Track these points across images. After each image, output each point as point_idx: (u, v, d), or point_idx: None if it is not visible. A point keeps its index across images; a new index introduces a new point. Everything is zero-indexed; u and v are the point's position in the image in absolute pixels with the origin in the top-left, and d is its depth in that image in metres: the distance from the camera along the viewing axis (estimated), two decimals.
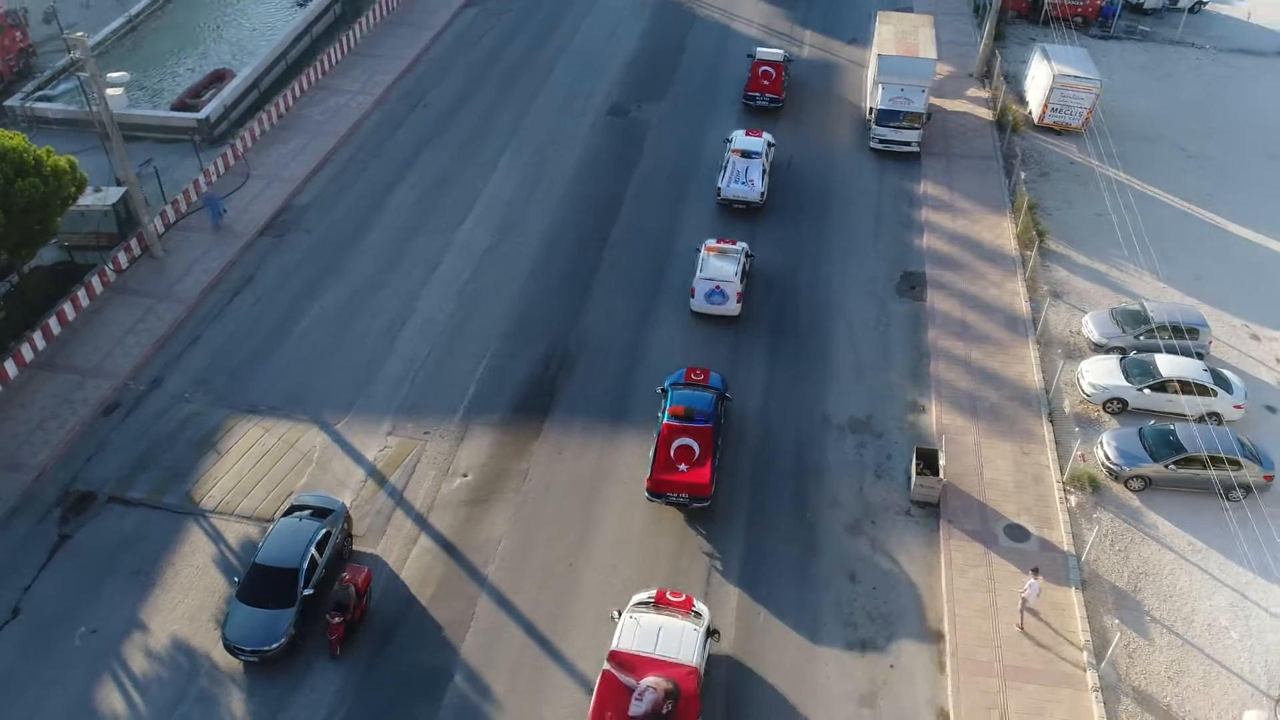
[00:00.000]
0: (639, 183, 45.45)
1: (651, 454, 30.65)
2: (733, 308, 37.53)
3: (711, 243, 39.12)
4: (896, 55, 46.72)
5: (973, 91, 52.80)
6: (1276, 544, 30.24)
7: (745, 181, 43.14)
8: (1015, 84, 53.21)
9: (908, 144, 46.91)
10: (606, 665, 24.76)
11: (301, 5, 58.14)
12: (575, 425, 33.66)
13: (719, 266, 37.70)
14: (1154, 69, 55.67)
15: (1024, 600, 27.79)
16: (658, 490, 30.19)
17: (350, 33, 54.94)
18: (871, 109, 47.86)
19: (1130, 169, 46.59)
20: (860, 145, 48.28)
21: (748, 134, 45.44)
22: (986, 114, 50.89)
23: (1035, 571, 27.70)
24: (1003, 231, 42.74)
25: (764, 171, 43.69)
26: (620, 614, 26.28)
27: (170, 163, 45.05)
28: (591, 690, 25.28)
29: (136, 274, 39.19)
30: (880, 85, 46.63)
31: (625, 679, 24.32)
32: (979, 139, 48.96)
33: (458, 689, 26.29)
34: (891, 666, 27.16)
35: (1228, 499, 31.49)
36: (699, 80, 53.41)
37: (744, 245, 39.03)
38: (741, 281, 37.41)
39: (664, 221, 43.04)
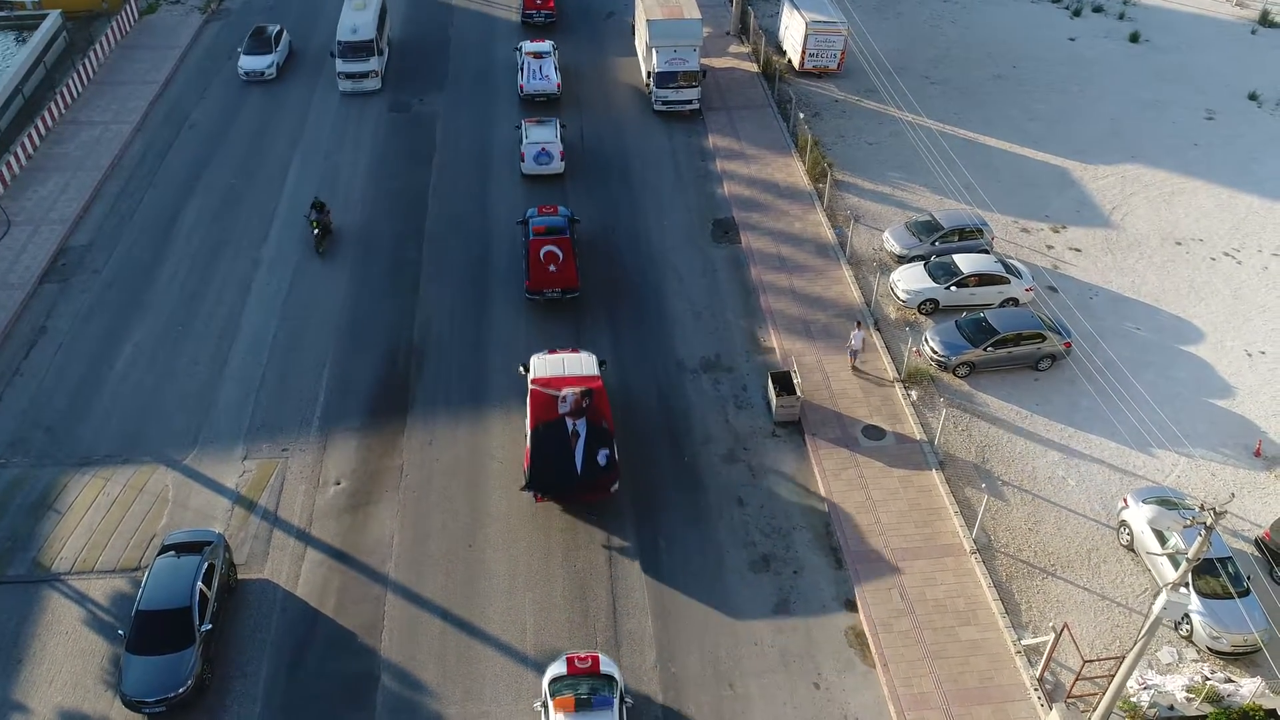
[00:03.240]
0: (440, 171, 45.08)
1: (525, 264, 37.63)
2: (558, 166, 44.00)
3: (529, 116, 47.30)
4: (665, 19, 48.56)
5: (734, 48, 55.67)
6: (1084, 400, 34.26)
7: (542, 78, 49.59)
8: (771, 37, 56.53)
9: (689, 102, 48.93)
10: (532, 387, 30.43)
11: (22, 41, 53.52)
12: (438, 413, 33.27)
13: (540, 133, 44.31)
14: (884, 9, 60.55)
15: (852, 348, 34.46)
16: (537, 289, 36.49)
17: (87, 61, 50.97)
18: (649, 73, 49.54)
19: (887, 100, 50.73)
20: (644, 110, 49.91)
21: (534, 41, 52.24)
22: (751, 67, 53.82)
23: (859, 324, 34.81)
24: (793, 170, 45.53)
25: (555, 68, 50.05)
26: (524, 369, 32.45)
27: None
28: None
29: None
30: (654, 50, 48.36)
31: (549, 391, 30.19)
32: (751, 90, 51.75)
33: (387, 689, 25.65)
34: (795, 573, 28.79)
35: (1038, 369, 35.35)
36: (474, 70, 53.39)
37: (556, 119, 45.67)
38: (560, 145, 43.96)
39: (476, 207, 42.96)
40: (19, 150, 44.29)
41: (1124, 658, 24.54)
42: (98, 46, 52.34)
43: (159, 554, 26.62)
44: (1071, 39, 57.96)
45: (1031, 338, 34.71)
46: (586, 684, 23.68)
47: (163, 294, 37.97)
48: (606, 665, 24.30)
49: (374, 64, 50.07)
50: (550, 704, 23.52)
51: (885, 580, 28.53)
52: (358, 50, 49.81)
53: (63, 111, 48.23)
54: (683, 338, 36.52)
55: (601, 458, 29.14)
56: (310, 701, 25.29)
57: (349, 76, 50.05)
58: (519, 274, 38.98)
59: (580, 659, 24.31)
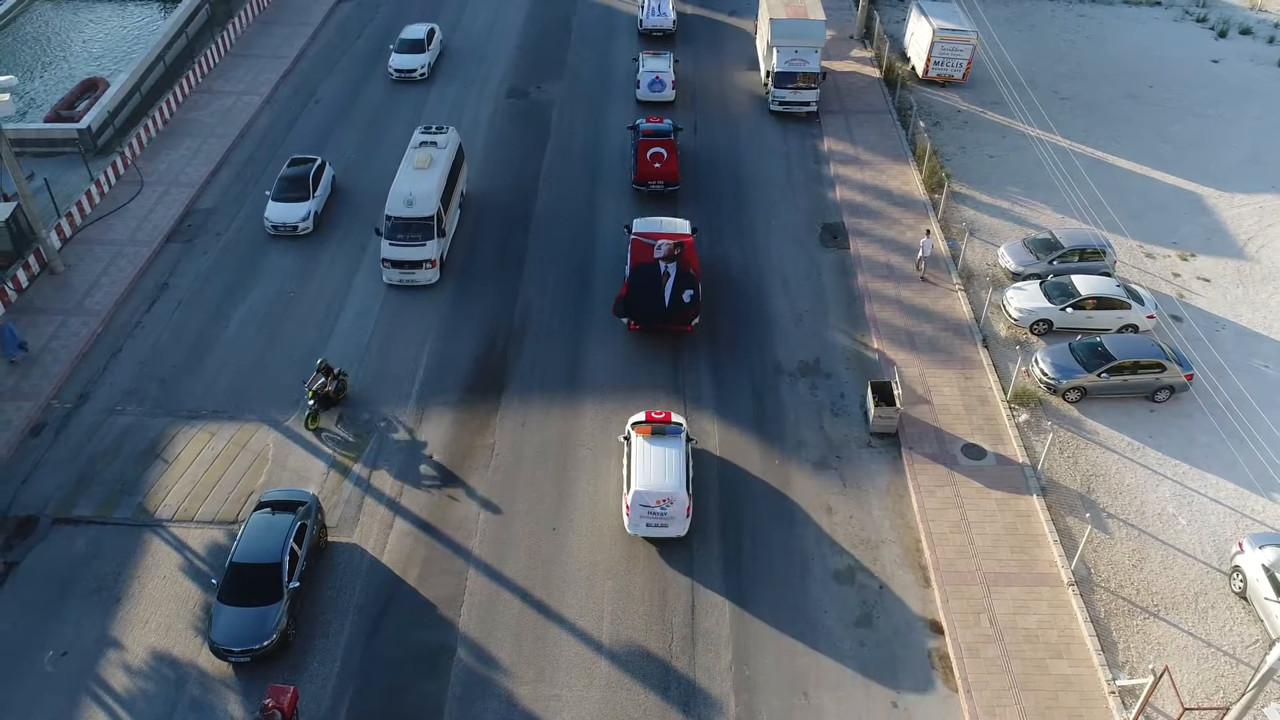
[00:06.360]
0: (552, 162, 45.40)
1: (633, 160, 43.17)
2: (669, 94, 48.72)
3: (647, 49, 53.07)
4: (788, 18, 47.98)
5: (857, 52, 54.70)
6: (1203, 436, 32.57)
7: (660, 14, 55.02)
8: (895, 43, 55.40)
9: (807, 104, 48.24)
10: (634, 236, 36.19)
11: (167, 12, 55.87)
12: (533, 396, 33.45)
13: (656, 63, 49.26)
14: (1017, 21, 58.76)
15: (920, 255, 37.64)
16: (643, 180, 41.98)
17: (225, 33, 52.93)
18: (768, 72, 49.01)
19: (1012, 113, 49.17)
20: (759, 109, 49.43)
21: None
22: (873, 72, 52.80)
23: (928, 232, 37.94)
24: (909, 179, 44.47)
25: (672, 6, 55.63)
26: (628, 228, 37.68)
27: (54, 176, 42.62)
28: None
29: (40, 291, 36.88)
30: (775, 48, 47.81)
31: (647, 240, 35.85)
32: (871, 95, 50.77)
33: (462, 662, 25.85)
34: (881, 588, 28.04)
35: (1154, 400, 33.74)
36: (591, 64, 53.68)
37: (670, 53, 50.74)
38: (673, 75, 48.85)
39: (583, 206, 43.10)
40: (156, 115, 46.19)
41: (1228, 709, 23.25)
42: (236, 20, 54.29)
43: (255, 510, 27.38)
44: (1215, 61, 55.28)
45: (1150, 367, 33.13)
46: (661, 425, 29.33)
47: (278, 260, 39.09)
48: (677, 419, 29.77)
49: (431, 249, 36.84)
50: (631, 433, 29.15)
51: (975, 604, 27.54)
52: (411, 230, 36.85)
53: (199, 80, 50.14)
54: (782, 339, 35.97)
55: (686, 296, 34.39)
56: (387, 666, 25.66)
57: (395, 265, 36.89)
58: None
59: (656, 413, 29.94)
